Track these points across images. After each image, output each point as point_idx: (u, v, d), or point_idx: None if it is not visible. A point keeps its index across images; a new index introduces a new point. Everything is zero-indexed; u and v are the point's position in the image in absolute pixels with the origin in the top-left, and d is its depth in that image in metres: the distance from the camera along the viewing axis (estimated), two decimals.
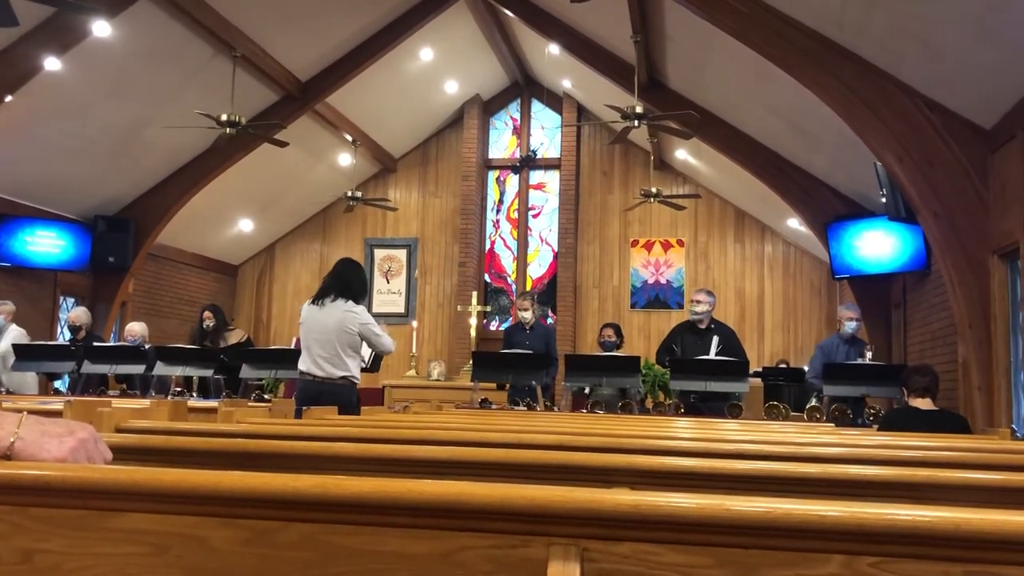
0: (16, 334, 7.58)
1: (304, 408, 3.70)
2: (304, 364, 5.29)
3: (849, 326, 6.99)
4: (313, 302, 5.35)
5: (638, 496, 0.89)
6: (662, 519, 0.89)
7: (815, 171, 8.74)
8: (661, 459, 1.73)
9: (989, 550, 0.86)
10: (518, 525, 0.92)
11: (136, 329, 7.93)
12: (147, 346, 7.60)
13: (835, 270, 8.76)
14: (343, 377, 5.25)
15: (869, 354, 6.77)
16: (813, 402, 6.17)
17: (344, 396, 5.16)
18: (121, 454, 1.15)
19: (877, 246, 8.22)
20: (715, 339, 6.69)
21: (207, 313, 7.73)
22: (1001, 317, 5.86)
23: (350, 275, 5.41)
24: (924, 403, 4.36)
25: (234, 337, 7.79)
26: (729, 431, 3.43)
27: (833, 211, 8.69)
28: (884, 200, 7.02)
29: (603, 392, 6.85)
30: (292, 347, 8.46)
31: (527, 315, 7.56)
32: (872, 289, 8.80)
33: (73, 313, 8.08)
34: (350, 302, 5.28)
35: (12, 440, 1.04)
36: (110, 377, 7.41)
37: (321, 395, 5.11)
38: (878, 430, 4.29)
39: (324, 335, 5.21)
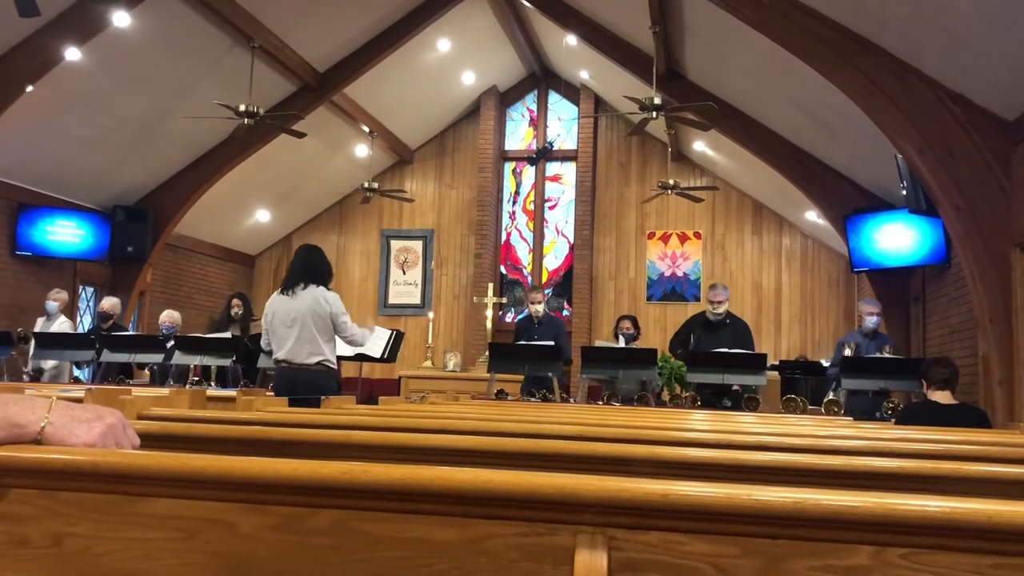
0: (67, 325, 7.73)
1: (323, 398, 3.70)
2: (279, 352, 5.25)
3: (870, 321, 6.94)
4: (282, 292, 5.33)
5: (668, 485, 0.89)
6: (690, 508, 0.89)
7: (834, 163, 8.68)
8: (683, 450, 1.72)
9: (1022, 543, 0.85)
10: (546, 513, 0.92)
11: (175, 316, 8.03)
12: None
13: (854, 263, 8.71)
14: (319, 362, 5.23)
15: (888, 350, 6.71)
16: (831, 395, 6.13)
17: (321, 382, 5.15)
18: (143, 441, 1.16)
19: (896, 239, 8.16)
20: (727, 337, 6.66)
21: (236, 300, 7.80)
22: (1023, 311, 5.80)
23: (316, 261, 5.41)
24: (944, 396, 4.32)
25: (258, 327, 7.85)
26: (748, 424, 3.43)
27: (852, 203, 8.63)
28: (904, 193, 6.96)
29: (620, 386, 6.83)
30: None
31: (539, 308, 7.56)
32: (891, 282, 8.74)
33: (108, 302, 8.15)
34: (321, 288, 5.27)
35: (42, 424, 1.05)
36: (133, 366, 7.50)
37: (297, 382, 5.10)
38: (895, 423, 4.27)
39: (297, 322, 5.18)
